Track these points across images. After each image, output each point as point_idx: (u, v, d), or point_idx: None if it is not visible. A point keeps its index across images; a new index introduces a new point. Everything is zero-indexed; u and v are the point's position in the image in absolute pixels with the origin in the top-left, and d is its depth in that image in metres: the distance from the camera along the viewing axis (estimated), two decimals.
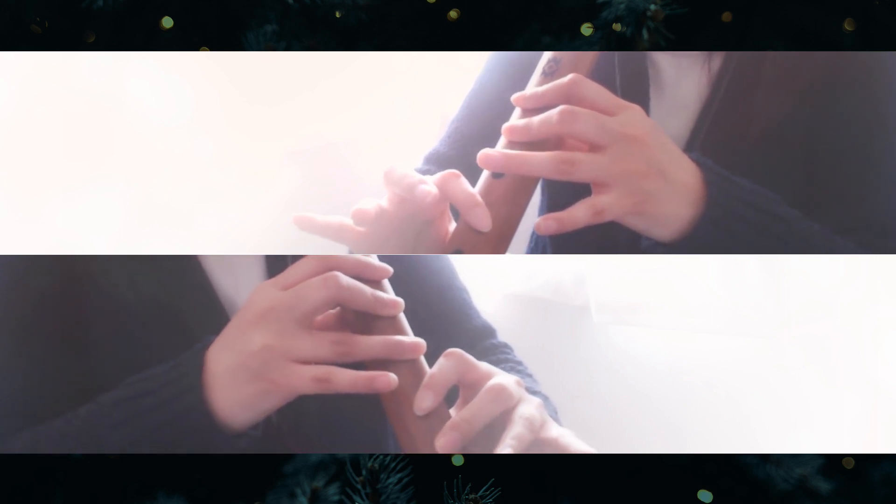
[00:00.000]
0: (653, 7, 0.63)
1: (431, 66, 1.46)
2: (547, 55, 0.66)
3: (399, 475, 0.63)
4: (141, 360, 0.62)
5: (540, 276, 1.32)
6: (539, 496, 0.70)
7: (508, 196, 0.61)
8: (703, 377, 1.27)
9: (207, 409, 0.56)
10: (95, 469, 0.70)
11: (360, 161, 1.52)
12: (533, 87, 0.65)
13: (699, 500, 0.69)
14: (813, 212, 0.66)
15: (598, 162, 0.59)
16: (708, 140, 0.75)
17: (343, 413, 0.72)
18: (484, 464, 0.67)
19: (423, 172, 0.64)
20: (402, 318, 0.61)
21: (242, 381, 0.56)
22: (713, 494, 0.69)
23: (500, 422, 0.57)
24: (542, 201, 0.86)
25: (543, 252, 0.89)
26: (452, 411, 0.59)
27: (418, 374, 0.58)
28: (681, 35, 0.67)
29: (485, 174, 0.63)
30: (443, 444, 0.55)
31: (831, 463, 0.70)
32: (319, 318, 0.61)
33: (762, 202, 0.62)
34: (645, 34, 0.64)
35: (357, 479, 0.63)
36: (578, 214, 0.59)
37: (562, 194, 0.76)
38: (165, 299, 0.69)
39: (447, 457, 0.68)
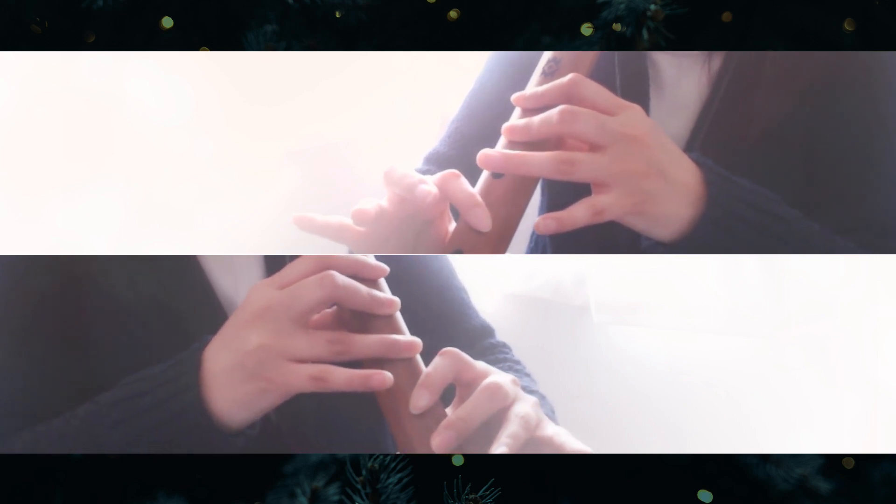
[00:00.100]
0: (653, 7, 0.63)
1: (431, 66, 1.46)
2: (547, 55, 0.66)
3: (399, 475, 0.63)
4: (140, 359, 0.62)
5: (540, 276, 1.32)
6: (539, 496, 0.70)
7: (508, 196, 0.61)
8: (703, 377, 1.27)
9: (205, 408, 0.56)
10: (95, 469, 0.70)
11: (360, 161, 1.52)
12: (533, 87, 0.65)
13: (699, 500, 0.69)
14: (813, 212, 0.66)
15: (598, 162, 0.59)
16: (708, 140, 0.75)
17: (343, 412, 0.72)
18: (484, 464, 0.67)
19: (423, 172, 0.65)
20: (399, 317, 0.61)
21: (239, 380, 0.56)
22: (713, 494, 0.69)
23: (495, 420, 0.57)
24: (542, 201, 0.86)
25: (543, 252, 0.89)
26: (449, 410, 0.59)
27: (414, 372, 0.59)
28: (681, 35, 0.67)
29: (485, 174, 0.63)
30: (438, 442, 0.55)
31: (831, 463, 0.70)
32: (316, 317, 0.61)
33: (762, 202, 0.62)
34: (645, 34, 0.64)
35: (357, 479, 0.63)
36: (578, 214, 0.59)
37: (562, 194, 0.76)
38: (165, 299, 0.70)
39: (447, 457, 0.68)
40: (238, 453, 0.58)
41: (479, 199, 0.60)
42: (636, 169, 0.59)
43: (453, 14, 0.71)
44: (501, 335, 0.89)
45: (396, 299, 0.61)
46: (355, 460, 0.63)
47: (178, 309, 0.69)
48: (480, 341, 0.85)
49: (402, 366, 0.58)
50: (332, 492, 0.65)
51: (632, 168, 0.59)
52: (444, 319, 0.83)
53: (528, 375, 0.82)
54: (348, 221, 0.63)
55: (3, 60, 1.30)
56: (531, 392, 0.74)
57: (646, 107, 0.77)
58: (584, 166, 0.59)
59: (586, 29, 0.68)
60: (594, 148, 0.59)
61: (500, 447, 0.55)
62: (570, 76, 0.61)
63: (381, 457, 0.63)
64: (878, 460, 0.71)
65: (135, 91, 1.38)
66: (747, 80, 0.75)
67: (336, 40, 0.71)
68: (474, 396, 0.57)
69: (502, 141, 0.62)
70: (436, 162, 0.86)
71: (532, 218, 0.63)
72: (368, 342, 0.58)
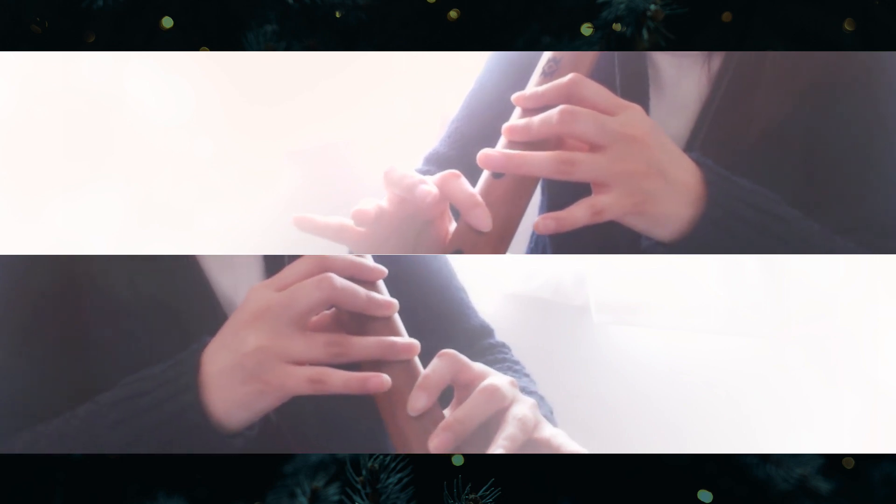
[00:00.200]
0: (653, 7, 0.63)
1: (431, 66, 1.46)
2: (547, 55, 0.66)
3: (399, 475, 0.63)
4: (140, 359, 0.62)
5: (540, 276, 1.32)
6: (539, 496, 0.70)
7: (508, 196, 0.61)
8: (703, 377, 1.27)
9: (203, 409, 0.56)
10: (95, 469, 0.70)
11: (360, 161, 1.52)
12: (533, 87, 0.65)
13: (699, 500, 0.69)
14: (813, 212, 0.66)
15: (597, 162, 0.59)
16: (708, 140, 0.75)
17: (343, 412, 0.72)
18: (484, 464, 0.67)
19: (423, 173, 0.64)
20: (397, 318, 0.61)
21: (237, 382, 0.56)
22: (713, 494, 0.69)
23: (493, 422, 0.57)
24: (543, 201, 0.86)
25: (543, 252, 0.89)
26: (447, 412, 0.59)
27: (412, 374, 0.59)
28: (681, 35, 0.67)
29: (485, 174, 0.63)
30: (436, 444, 0.55)
31: (831, 463, 0.70)
32: (315, 318, 0.61)
33: (762, 202, 0.62)
34: (645, 34, 0.64)
35: (357, 479, 0.63)
36: (578, 214, 0.59)
37: (562, 194, 0.76)
38: (164, 299, 0.70)
39: (447, 457, 0.68)
40: (238, 453, 0.58)
41: (480, 199, 0.60)
42: (636, 169, 0.59)
43: (453, 14, 0.71)
44: (502, 335, 0.89)
45: (394, 301, 0.61)
46: (355, 460, 0.63)
47: (178, 309, 0.69)
48: (480, 341, 0.85)
49: (400, 367, 0.58)
50: (332, 492, 0.65)
51: (632, 168, 0.59)
52: (443, 319, 0.83)
53: (527, 376, 0.82)
54: (348, 222, 0.63)
55: (3, 60, 1.30)
56: (530, 393, 0.74)
57: (646, 107, 0.77)
58: (584, 166, 0.59)
59: (586, 29, 0.68)
60: (594, 148, 0.59)
61: (497, 449, 0.55)
62: (569, 76, 0.61)
63: (381, 457, 0.63)
64: (878, 460, 0.71)
65: (135, 91, 1.38)
66: (747, 80, 0.75)
67: (336, 40, 0.71)
68: (472, 398, 0.57)
69: (502, 141, 0.62)
70: (436, 162, 0.86)
71: (532, 218, 0.63)
72: (366, 344, 0.58)
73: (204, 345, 0.59)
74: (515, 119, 0.63)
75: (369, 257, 0.63)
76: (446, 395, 0.60)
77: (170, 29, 0.71)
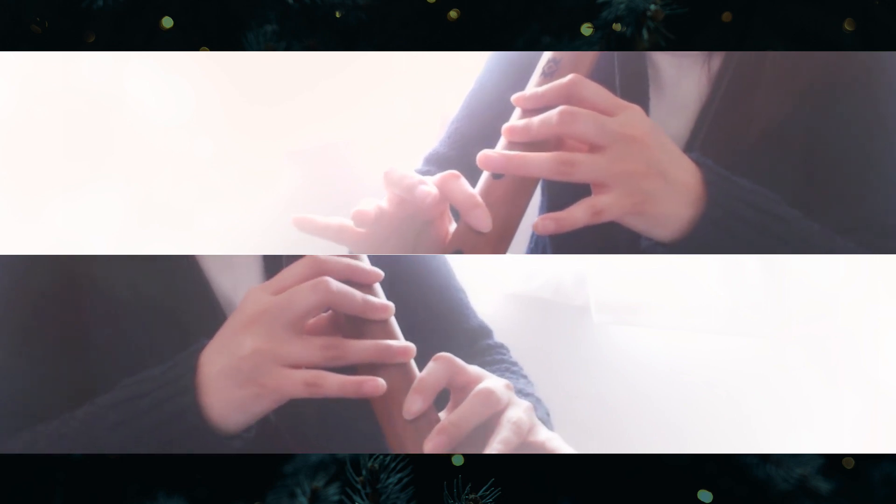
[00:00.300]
0: (653, 7, 0.63)
1: (431, 66, 1.46)
2: (547, 55, 0.66)
3: (399, 475, 0.63)
4: (139, 359, 0.62)
5: (540, 276, 1.32)
6: (539, 496, 0.70)
7: (508, 197, 0.61)
8: (703, 377, 1.27)
9: (201, 411, 0.56)
10: (95, 469, 0.70)
11: (360, 161, 1.52)
12: (533, 87, 0.65)
13: (699, 500, 0.69)
14: (813, 212, 0.66)
15: (597, 162, 0.59)
16: (708, 140, 0.75)
17: (343, 413, 0.72)
18: (484, 464, 0.67)
19: (423, 173, 0.65)
20: (393, 321, 0.62)
21: (234, 385, 0.56)
22: (713, 494, 0.69)
23: (488, 425, 0.58)
24: (542, 201, 0.86)
25: (543, 252, 0.89)
26: (443, 414, 0.59)
27: (408, 377, 0.59)
28: (681, 35, 0.67)
29: (485, 175, 0.63)
30: (431, 447, 0.55)
31: (831, 463, 0.70)
32: (312, 321, 0.61)
33: (762, 202, 0.62)
34: (645, 34, 0.64)
35: (357, 479, 0.63)
36: (577, 215, 0.59)
37: (562, 195, 0.76)
38: (164, 299, 0.70)
39: (447, 457, 0.68)
40: (238, 453, 0.59)
41: (479, 199, 0.60)
42: (636, 169, 0.59)
43: (453, 14, 0.71)
44: (502, 335, 0.89)
45: (390, 304, 0.61)
46: (355, 460, 0.64)
47: (177, 309, 0.69)
48: (478, 342, 0.85)
49: (395, 370, 0.59)
50: (332, 492, 0.65)
51: (631, 168, 0.59)
52: (442, 319, 0.83)
53: (524, 377, 0.82)
54: (348, 222, 0.63)
55: (3, 60, 1.30)
56: (526, 395, 0.74)
57: (646, 107, 0.77)
58: (584, 167, 0.59)
59: (586, 29, 0.68)
60: (594, 148, 0.59)
61: (490, 452, 0.55)
62: (569, 77, 0.61)
63: (381, 457, 0.63)
64: (878, 460, 0.71)
65: (135, 91, 1.38)
66: (747, 80, 0.75)
67: (336, 40, 0.71)
68: (467, 402, 0.58)
69: (502, 141, 0.62)
70: (436, 162, 0.86)
71: (532, 218, 0.63)
72: (362, 347, 0.58)
73: (202, 347, 0.59)
74: (515, 120, 0.63)
75: (366, 260, 0.63)
76: (442, 398, 0.60)
77: (170, 29, 0.71)
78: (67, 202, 1.38)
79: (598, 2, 0.65)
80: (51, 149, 1.36)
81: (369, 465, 0.63)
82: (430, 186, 0.61)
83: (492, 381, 0.60)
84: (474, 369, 0.61)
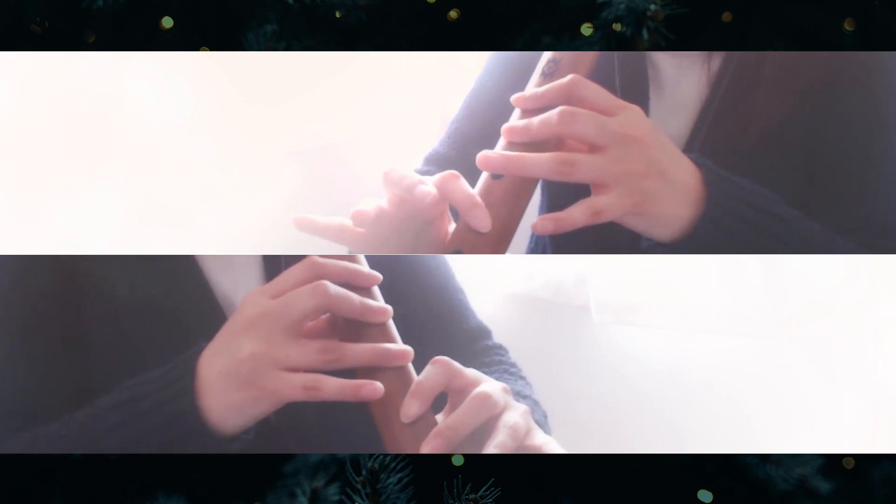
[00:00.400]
0: (653, 7, 0.63)
1: (431, 66, 1.46)
2: (546, 55, 0.66)
3: (399, 475, 0.63)
4: (139, 359, 0.62)
5: (540, 276, 1.32)
6: (539, 496, 0.70)
7: (508, 197, 0.61)
8: (703, 377, 1.27)
9: (199, 414, 0.56)
10: (95, 469, 0.70)
11: (360, 161, 1.52)
12: (532, 87, 0.65)
13: (699, 500, 0.69)
14: (813, 212, 0.66)
15: (597, 163, 0.59)
16: (708, 140, 0.75)
17: (342, 413, 0.72)
18: (484, 464, 0.67)
19: (423, 173, 0.64)
20: (392, 325, 0.62)
21: (233, 387, 0.56)
22: (713, 494, 0.69)
23: (485, 429, 0.58)
24: (542, 202, 0.86)
25: (543, 252, 0.89)
26: (440, 417, 0.60)
27: (406, 380, 0.59)
28: (681, 35, 0.67)
29: (484, 175, 0.63)
30: (428, 451, 0.55)
31: (831, 463, 0.70)
32: (310, 324, 0.62)
33: (762, 202, 0.62)
34: (645, 34, 0.64)
35: (357, 479, 0.63)
36: (577, 215, 0.59)
37: (562, 195, 0.76)
38: (164, 300, 0.70)
39: (447, 457, 0.68)
40: (238, 453, 0.59)
41: (479, 199, 0.60)
42: (636, 169, 0.59)
43: (453, 14, 0.71)
44: (502, 335, 0.88)
45: (389, 308, 0.61)
46: (355, 460, 0.64)
47: (177, 309, 0.69)
48: (477, 342, 0.85)
49: (393, 374, 0.59)
50: (332, 492, 0.65)
51: (631, 168, 0.59)
52: (441, 320, 0.83)
53: (522, 378, 0.82)
54: (348, 222, 0.63)
55: (3, 60, 1.30)
56: (524, 398, 0.74)
57: (645, 107, 0.76)
58: (584, 167, 0.59)
59: (586, 29, 0.68)
60: (594, 149, 0.59)
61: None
62: (569, 77, 0.61)
63: (381, 457, 0.63)
64: (878, 460, 0.71)
65: (135, 91, 1.38)
66: (747, 80, 0.75)
67: (336, 40, 0.71)
68: (464, 405, 0.58)
69: (502, 142, 0.62)
70: (436, 162, 0.86)
71: (532, 218, 0.63)
72: (360, 351, 0.58)
73: (200, 349, 0.59)
74: (515, 120, 0.63)
75: (364, 263, 0.63)
76: (440, 400, 0.60)
77: (170, 29, 0.71)
78: (67, 202, 1.38)
79: (598, 2, 0.65)
80: (51, 149, 1.36)
81: (369, 465, 0.63)
82: (429, 186, 0.61)
83: (489, 385, 0.60)
84: (472, 372, 0.61)
